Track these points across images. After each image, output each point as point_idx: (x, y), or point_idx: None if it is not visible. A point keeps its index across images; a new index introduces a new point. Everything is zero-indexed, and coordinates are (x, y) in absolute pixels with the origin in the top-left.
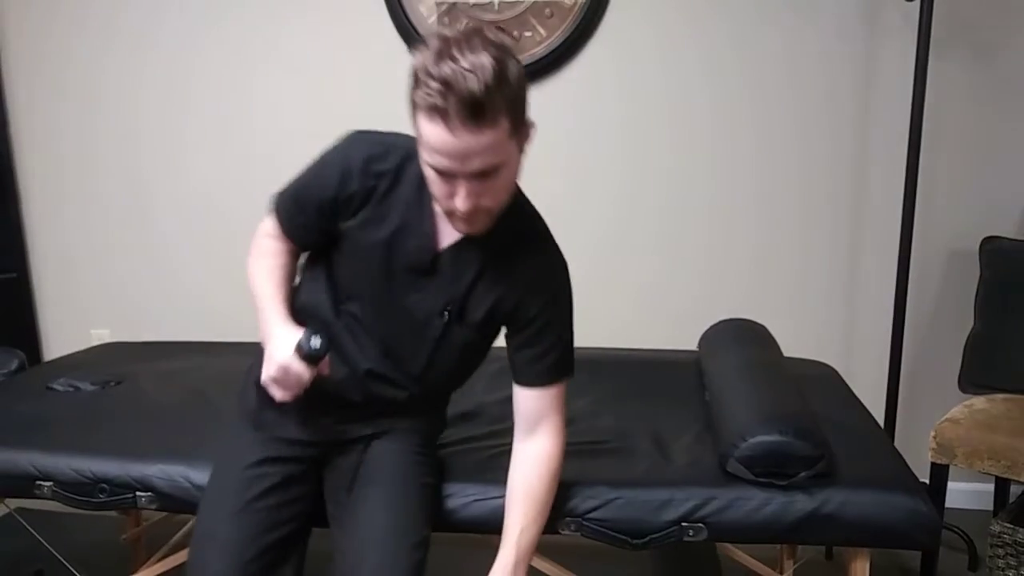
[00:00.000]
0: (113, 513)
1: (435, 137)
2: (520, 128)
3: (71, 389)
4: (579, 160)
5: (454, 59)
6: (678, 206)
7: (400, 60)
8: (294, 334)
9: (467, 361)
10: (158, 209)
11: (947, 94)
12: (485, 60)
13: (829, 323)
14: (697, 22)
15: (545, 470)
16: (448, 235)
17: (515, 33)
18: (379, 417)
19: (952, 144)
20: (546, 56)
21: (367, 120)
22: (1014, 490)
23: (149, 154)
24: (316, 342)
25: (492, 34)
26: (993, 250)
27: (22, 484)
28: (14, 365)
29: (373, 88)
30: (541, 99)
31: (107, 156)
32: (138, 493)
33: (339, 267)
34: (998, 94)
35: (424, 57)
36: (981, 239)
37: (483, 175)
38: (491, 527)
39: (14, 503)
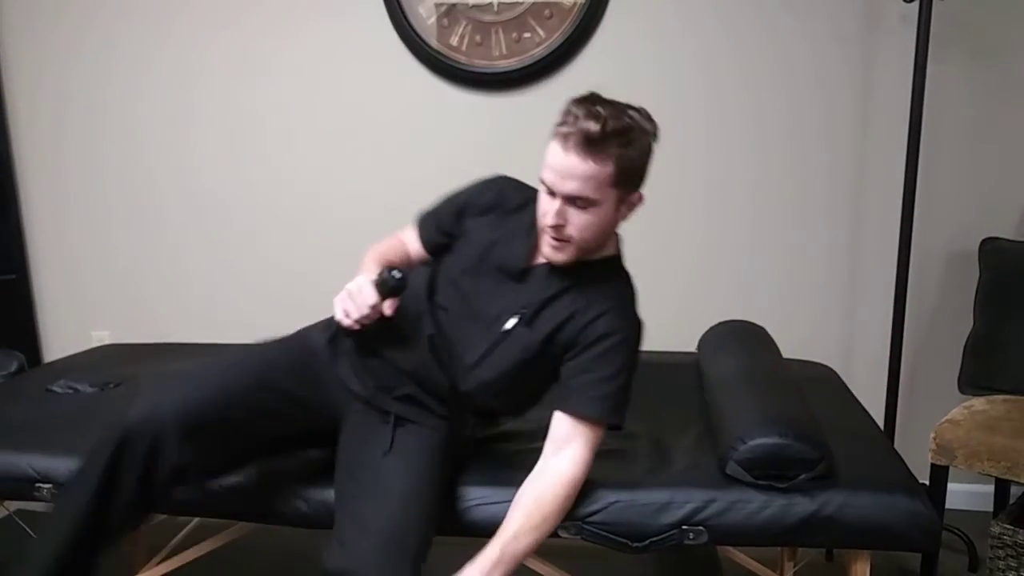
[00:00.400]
0: None
1: (552, 154)
2: (626, 185)
3: (71, 391)
4: None
5: (595, 105)
6: (677, 207)
7: (399, 61)
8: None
9: (514, 375)
10: (158, 211)
11: (946, 95)
12: (619, 117)
13: (828, 324)
14: (695, 23)
15: (560, 489)
16: (542, 261)
17: (514, 35)
18: (411, 403)
19: (951, 145)
20: (545, 57)
21: (366, 119)
22: (1014, 491)
23: (150, 155)
24: (393, 272)
25: (643, 113)
26: (992, 251)
27: (22, 486)
28: (13, 367)
29: (372, 88)
30: (541, 101)
31: (107, 157)
32: None
33: (442, 263)
34: (997, 95)
35: (577, 100)
36: (980, 240)
37: (575, 201)
38: (492, 531)
39: (13, 505)
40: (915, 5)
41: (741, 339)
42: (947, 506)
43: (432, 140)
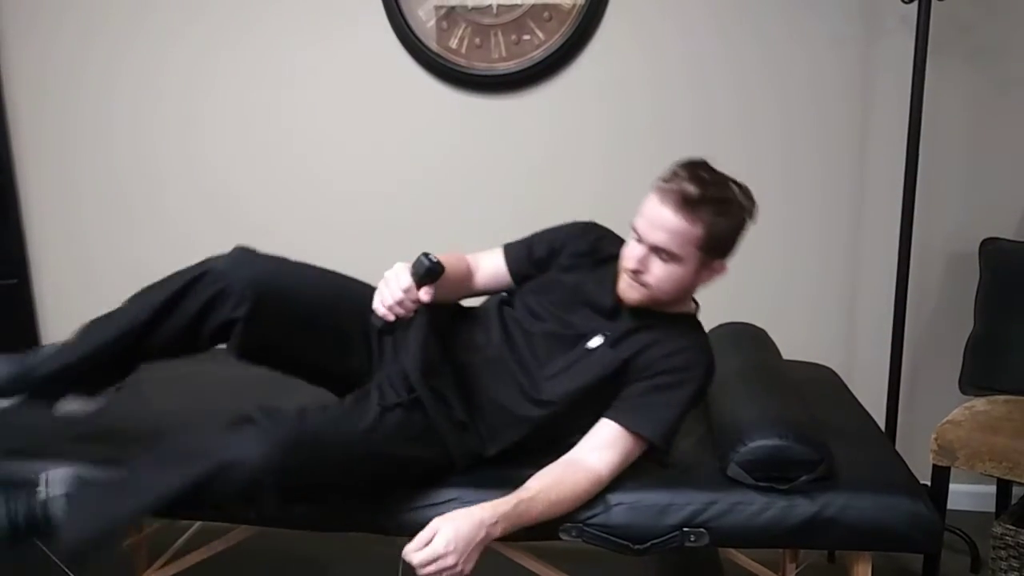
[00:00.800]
0: None
1: (647, 204)
2: (711, 252)
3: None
4: (580, 162)
5: (700, 170)
6: None
7: (398, 63)
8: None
9: (592, 390)
10: (160, 215)
11: (945, 96)
12: (720, 187)
13: (828, 325)
14: (693, 25)
15: (583, 482)
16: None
17: (513, 37)
18: (439, 400)
19: (951, 145)
20: (544, 60)
21: (366, 121)
22: (1016, 492)
23: (151, 160)
24: (429, 256)
25: (745, 190)
26: (993, 251)
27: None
28: None
29: (372, 90)
30: (540, 103)
31: (106, 161)
32: None
33: (523, 291)
34: (997, 95)
35: (685, 162)
36: (981, 240)
37: (660, 252)
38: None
39: None
40: (914, 6)
41: (741, 341)
42: (949, 507)
43: (431, 142)
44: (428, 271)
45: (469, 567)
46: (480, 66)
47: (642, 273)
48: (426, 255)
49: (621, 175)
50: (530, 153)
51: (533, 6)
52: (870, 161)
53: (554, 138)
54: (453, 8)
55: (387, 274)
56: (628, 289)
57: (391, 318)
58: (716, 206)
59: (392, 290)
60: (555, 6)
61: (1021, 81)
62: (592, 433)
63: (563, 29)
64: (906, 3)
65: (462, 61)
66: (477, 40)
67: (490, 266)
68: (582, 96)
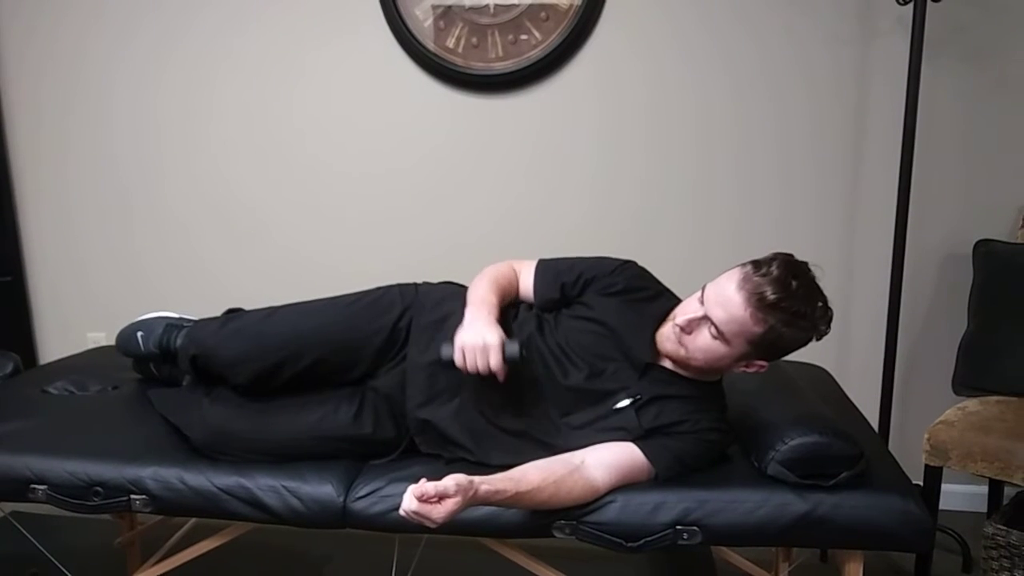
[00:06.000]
0: (108, 517)
1: (726, 279)
2: (759, 352)
3: (67, 393)
4: (576, 161)
5: (792, 277)
6: (669, 210)
7: (394, 62)
8: (502, 333)
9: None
10: (155, 213)
11: (940, 97)
12: (803, 301)
13: None
14: (689, 26)
15: (578, 489)
16: (659, 359)
17: (510, 37)
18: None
19: (945, 147)
20: (541, 60)
21: (362, 121)
22: (1008, 492)
23: (146, 158)
24: (523, 352)
25: (826, 309)
26: (986, 253)
27: (17, 488)
28: (9, 368)
29: (369, 90)
30: (537, 103)
31: (103, 159)
32: (132, 496)
33: (560, 322)
34: (991, 97)
35: (787, 261)
36: (974, 242)
37: (712, 325)
38: (486, 530)
39: (9, 507)
40: (909, 7)
41: None
42: (941, 507)
43: (428, 141)
44: (515, 363)
45: (440, 518)
46: (477, 66)
47: (687, 334)
48: (523, 347)
49: (617, 175)
50: (526, 152)
51: (530, 6)
52: (865, 162)
53: (550, 137)
54: (450, 8)
55: (488, 342)
56: (668, 340)
57: (464, 371)
58: (788, 317)
59: (481, 364)
60: (552, 6)
61: (1016, 82)
62: (606, 447)
63: (560, 29)
64: (901, 4)
65: (459, 61)
66: (474, 40)
67: (527, 285)
68: (578, 96)
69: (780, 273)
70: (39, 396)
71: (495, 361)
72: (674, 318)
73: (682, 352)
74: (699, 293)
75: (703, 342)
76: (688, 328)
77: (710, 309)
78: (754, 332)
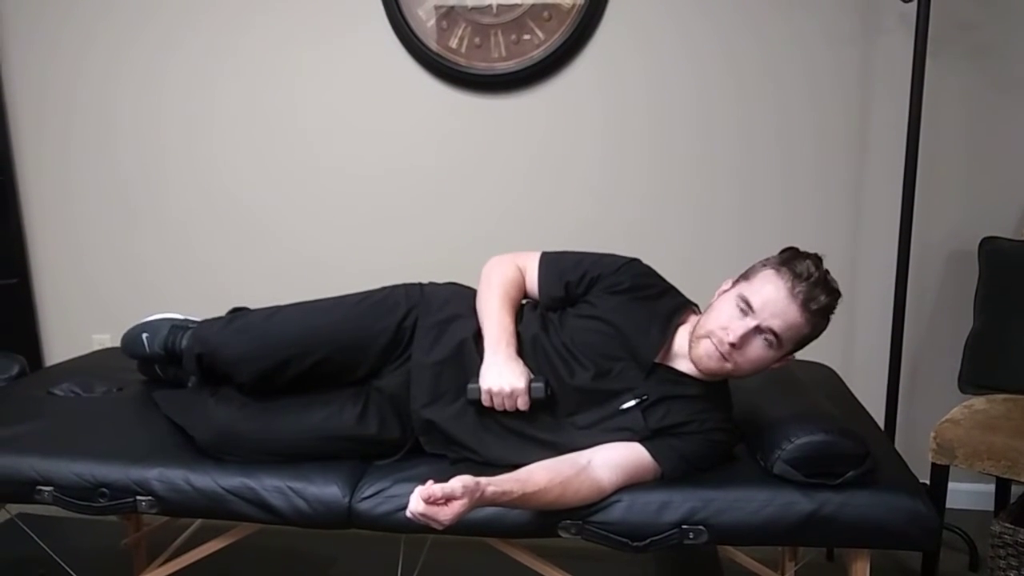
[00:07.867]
0: (114, 518)
1: (771, 287)
2: (798, 347)
3: (72, 394)
4: (579, 161)
5: (828, 275)
6: (675, 207)
7: (397, 62)
8: (526, 372)
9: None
10: (160, 215)
11: (945, 94)
12: (836, 296)
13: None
14: (692, 26)
15: (585, 491)
16: (665, 358)
17: (513, 37)
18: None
19: (950, 144)
20: (544, 59)
21: (365, 121)
22: (1015, 490)
23: (151, 159)
24: (547, 390)
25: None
26: (992, 250)
27: (23, 489)
28: (15, 370)
29: (371, 90)
30: (540, 103)
31: (107, 161)
32: (138, 497)
33: (565, 320)
34: (996, 94)
35: (812, 262)
36: (980, 239)
37: (766, 335)
38: (492, 531)
39: (15, 508)
40: (913, 5)
41: None
42: (948, 505)
43: (430, 141)
44: (539, 400)
45: (447, 519)
46: (480, 66)
47: (738, 349)
48: (548, 386)
49: (619, 174)
50: (529, 152)
51: (533, 6)
52: (869, 160)
53: (553, 137)
54: (453, 8)
55: (515, 387)
56: (712, 359)
57: (492, 405)
58: (829, 314)
59: (508, 405)
60: (555, 6)
61: (1021, 79)
62: (614, 448)
63: (563, 29)
64: (905, 2)
65: (462, 61)
66: (477, 40)
67: (532, 282)
68: (581, 96)
69: (818, 274)
70: (45, 398)
71: (523, 404)
72: (709, 335)
73: (728, 367)
74: (737, 305)
75: (755, 353)
76: (740, 343)
77: (766, 320)
78: (804, 334)
